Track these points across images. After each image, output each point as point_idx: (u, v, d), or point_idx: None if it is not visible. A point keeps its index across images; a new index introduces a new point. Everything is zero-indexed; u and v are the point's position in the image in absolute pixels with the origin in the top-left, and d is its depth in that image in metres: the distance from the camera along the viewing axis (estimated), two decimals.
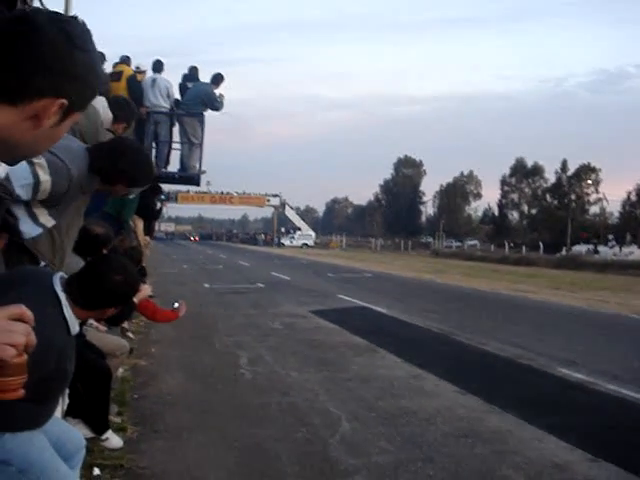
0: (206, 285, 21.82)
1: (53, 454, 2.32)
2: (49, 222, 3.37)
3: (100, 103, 4.27)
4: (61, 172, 3.07)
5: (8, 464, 2.18)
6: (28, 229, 3.34)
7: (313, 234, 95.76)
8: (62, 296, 2.35)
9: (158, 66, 11.02)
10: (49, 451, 2.31)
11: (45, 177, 2.99)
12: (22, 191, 2.88)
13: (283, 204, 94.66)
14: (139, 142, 9.97)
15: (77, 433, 2.85)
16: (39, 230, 3.36)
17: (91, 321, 5.12)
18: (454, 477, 4.98)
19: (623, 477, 5.09)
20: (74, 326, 2.39)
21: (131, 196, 7.50)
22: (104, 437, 5.04)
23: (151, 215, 9.33)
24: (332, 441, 5.73)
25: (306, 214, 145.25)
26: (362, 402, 7.06)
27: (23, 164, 2.87)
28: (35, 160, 2.89)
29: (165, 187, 12.26)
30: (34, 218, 3.27)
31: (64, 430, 2.56)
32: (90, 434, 4.72)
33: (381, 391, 7.59)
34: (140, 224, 9.25)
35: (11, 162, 1.41)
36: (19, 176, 2.84)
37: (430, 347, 10.81)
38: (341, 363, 9.14)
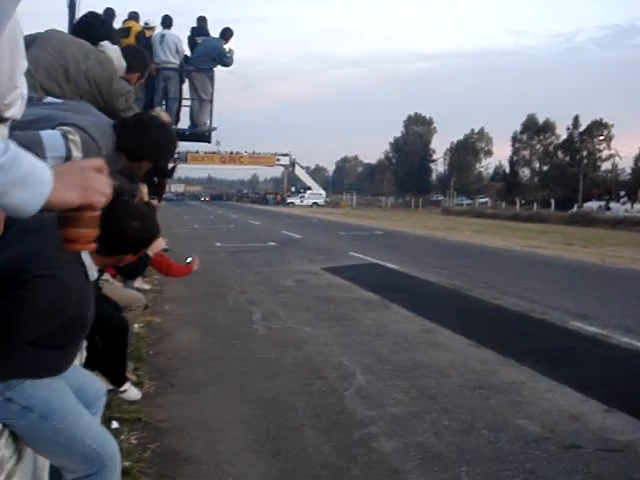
0: (218, 244, 21.85)
1: (74, 400, 2.33)
2: None
3: (114, 52, 4.25)
4: (92, 151, 3.07)
5: (29, 410, 2.20)
6: None
7: (323, 193, 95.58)
8: None
9: (167, 22, 10.89)
10: (70, 397, 2.32)
11: (77, 154, 2.99)
12: (52, 161, 2.88)
13: (293, 163, 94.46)
14: (149, 98, 9.93)
15: (97, 381, 2.88)
16: None
17: (107, 276, 5.14)
18: (469, 427, 5.01)
19: (637, 426, 5.10)
20: (92, 272, 2.39)
21: None
22: (122, 389, 5.08)
23: (164, 174, 9.28)
24: (347, 393, 5.77)
25: (316, 173, 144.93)
26: (376, 355, 7.09)
27: (58, 136, 2.87)
28: (70, 136, 2.90)
29: None
30: None
31: (85, 378, 2.58)
32: (108, 387, 4.77)
33: (395, 345, 7.62)
34: (144, 189, 9.19)
35: None
36: (52, 147, 2.84)
37: (443, 302, 10.81)
38: (354, 318, 9.17)
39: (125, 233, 2.48)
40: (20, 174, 1.25)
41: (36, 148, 2.59)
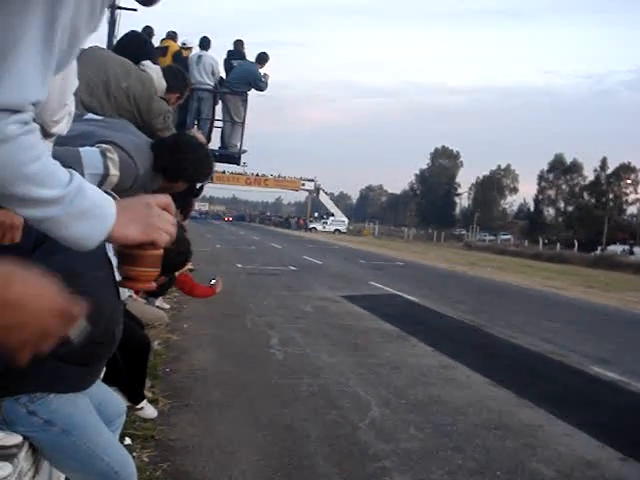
0: (239, 265, 21.91)
1: (96, 417, 2.34)
2: None
3: (155, 72, 4.31)
4: (129, 170, 3.11)
5: (52, 424, 2.20)
6: None
7: (346, 220, 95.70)
8: (114, 260, 2.37)
9: (205, 43, 11.01)
10: (92, 414, 2.33)
11: (114, 172, 3.03)
12: (90, 179, 2.91)
13: (317, 189, 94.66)
14: (182, 118, 10.01)
15: (118, 398, 2.88)
16: None
17: (130, 292, 5.16)
18: (484, 467, 4.95)
19: None
20: (124, 291, 2.41)
21: None
22: (139, 406, 5.08)
23: (193, 193, 9.34)
24: (362, 425, 5.73)
25: (340, 200, 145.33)
26: (392, 389, 7.04)
27: (96, 153, 2.91)
28: (109, 154, 2.94)
29: None
30: None
31: (106, 394, 2.59)
32: (126, 403, 4.77)
33: (412, 379, 7.57)
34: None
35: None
36: (91, 164, 2.88)
37: (461, 338, 10.74)
38: (372, 349, 9.13)
39: None
40: (83, 206, 1.24)
41: (75, 164, 2.62)
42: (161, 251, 1.41)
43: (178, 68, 5.14)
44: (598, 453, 5.48)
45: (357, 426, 5.70)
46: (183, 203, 9.17)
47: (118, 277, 1.49)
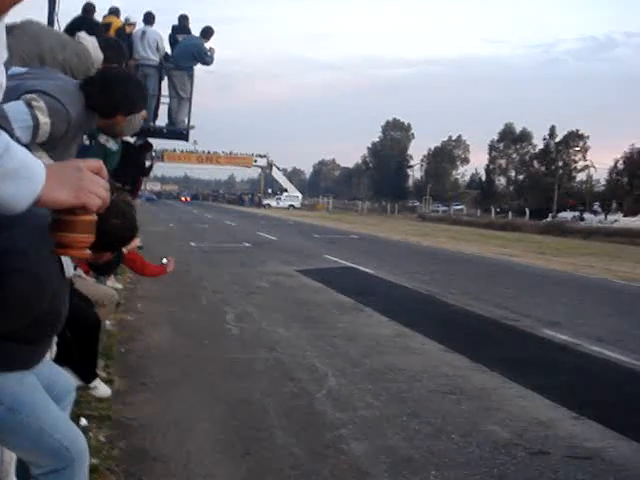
0: (192, 244, 21.77)
1: (44, 394, 2.30)
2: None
3: (91, 43, 4.21)
4: (60, 115, 3.05)
5: None
6: None
7: (300, 195, 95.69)
8: None
9: (149, 18, 10.85)
10: (40, 391, 2.29)
11: (44, 119, 2.97)
12: (21, 133, 2.85)
13: (270, 165, 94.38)
14: None
15: (67, 376, 2.84)
16: None
17: (79, 271, 5.09)
18: (440, 431, 5.02)
19: (605, 434, 5.15)
20: (69, 268, 2.37)
21: (113, 148, 7.45)
22: (92, 385, 5.04)
23: (141, 172, 9.23)
24: (319, 396, 5.76)
25: (293, 176, 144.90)
26: (348, 359, 7.09)
27: (21, 105, 2.85)
28: (34, 103, 2.87)
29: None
30: None
31: (54, 372, 2.55)
32: (78, 383, 4.71)
33: (367, 348, 7.62)
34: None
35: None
36: (18, 118, 2.81)
37: (416, 307, 10.85)
38: (327, 321, 9.17)
39: (106, 230, 2.45)
40: (11, 166, 1.21)
41: (2, 122, 2.56)
42: (94, 217, 1.37)
43: (114, 39, 5.06)
44: (551, 413, 5.58)
45: (314, 397, 5.73)
46: (132, 182, 9.09)
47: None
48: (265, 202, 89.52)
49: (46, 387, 2.36)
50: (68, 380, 2.74)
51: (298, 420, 5.16)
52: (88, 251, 1.44)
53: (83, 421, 4.59)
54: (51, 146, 3.24)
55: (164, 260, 6.52)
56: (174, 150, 78.79)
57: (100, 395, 5.11)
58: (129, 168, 8.15)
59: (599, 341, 8.48)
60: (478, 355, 7.41)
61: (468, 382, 6.42)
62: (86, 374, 4.94)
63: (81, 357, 4.76)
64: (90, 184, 1.34)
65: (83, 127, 3.38)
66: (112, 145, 6.52)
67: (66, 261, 2.34)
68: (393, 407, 5.56)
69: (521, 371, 6.83)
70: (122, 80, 3.38)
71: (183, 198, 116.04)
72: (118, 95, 3.29)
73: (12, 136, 2.70)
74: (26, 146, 3.21)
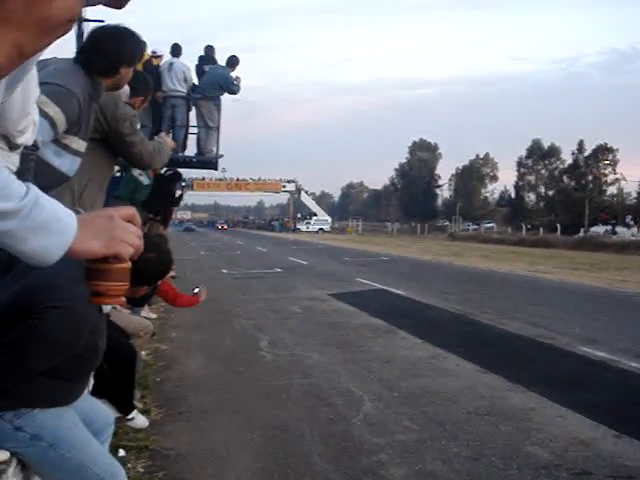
0: (224, 271, 21.87)
1: (83, 429, 2.32)
2: (82, 146, 3.43)
3: None
4: (65, 97, 3.09)
5: (39, 439, 2.19)
6: (68, 165, 3.39)
7: (329, 219, 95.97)
8: None
9: (176, 50, 11.00)
10: (79, 426, 2.31)
11: (54, 109, 3.02)
12: (40, 134, 2.90)
13: (299, 190, 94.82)
14: (157, 126, 9.98)
15: (106, 409, 2.87)
16: (78, 160, 3.41)
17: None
18: (479, 454, 4.97)
19: None
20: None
21: (145, 182, 7.52)
22: (130, 417, 5.06)
23: (171, 202, 9.32)
24: (355, 421, 5.73)
25: (322, 199, 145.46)
26: (384, 382, 7.05)
27: None
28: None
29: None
30: (67, 149, 3.32)
31: (93, 406, 2.57)
32: (116, 414, 4.74)
33: (402, 371, 7.58)
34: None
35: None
36: None
37: (450, 328, 10.77)
38: (361, 344, 9.14)
39: (141, 265, 2.47)
40: (40, 220, 1.20)
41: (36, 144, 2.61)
42: (128, 264, 1.37)
43: (140, 72, 5.12)
44: (592, 432, 5.50)
45: (351, 422, 5.70)
46: (163, 212, 9.16)
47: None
48: (294, 227, 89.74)
49: (85, 421, 2.39)
50: (106, 413, 2.76)
51: (335, 446, 5.13)
52: (123, 299, 1.44)
53: (121, 452, 4.61)
54: (76, 128, 3.30)
55: (196, 290, 6.55)
56: (203, 178, 79.49)
57: (138, 426, 5.14)
58: (160, 199, 8.24)
59: (637, 357, 8.35)
60: (515, 375, 7.34)
61: (506, 403, 6.35)
62: (124, 406, 4.97)
63: (118, 389, 4.79)
64: (122, 233, 1.33)
65: (94, 97, 3.41)
66: (145, 179, 6.61)
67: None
68: (431, 430, 5.51)
69: (559, 390, 6.74)
70: (112, 33, 3.40)
71: (219, 226, 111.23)
72: (113, 47, 3.31)
73: (37, 147, 2.72)
74: (55, 140, 3.28)
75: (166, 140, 4.90)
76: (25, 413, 2.17)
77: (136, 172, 6.67)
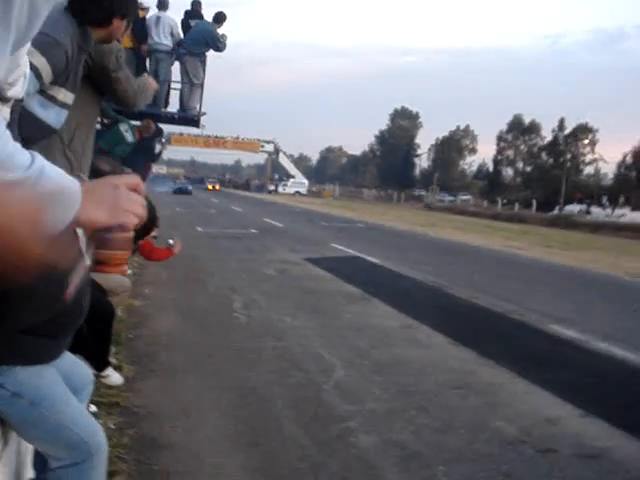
0: (199, 229, 21.81)
1: (64, 388, 2.31)
2: (69, 98, 3.36)
3: None
4: (51, 47, 3.02)
5: (19, 396, 2.17)
6: (54, 117, 3.33)
7: (306, 182, 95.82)
8: (79, 231, 2.32)
9: (163, 3, 10.81)
10: (60, 385, 2.30)
11: (39, 60, 2.96)
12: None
13: (277, 151, 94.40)
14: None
15: (85, 368, 2.85)
16: (64, 112, 3.34)
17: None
18: (447, 426, 5.03)
19: (612, 432, 5.15)
20: (87, 260, 2.37)
21: (129, 139, 7.45)
22: (105, 374, 5.05)
23: (150, 158, 9.24)
24: (326, 387, 5.77)
25: (300, 162, 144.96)
26: (356, 350, 7.10)
27: None
28: None
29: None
30: (53, 100, 3.26)
31: (73, 364, 2.55)
32: (91, 371, 4.73)
33: (375, 340, 7.63)
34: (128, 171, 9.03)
35: None
36: None
37: (423, 299, 10.85)
38: (335, 311, 9.17)
39: None
40: (45, 190, 1.17)
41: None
42: (131, 233, 1.35)
43: None
44: (558, 410, 5.58)
45: (322, 388, 5.74)
46: (141, 168, 9.08)
47: (88, 261, 1.43)
48: (271, 188, 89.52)
49: (64, 379, 2.37)
50: (86, 371, 2.75)
51: (306, 411, 5.17)
52: (126, 267, 1.43)
53: (92, 407, 4.61)
54: (62, 79, 3.23)
55: (170, 241, 6.49)
56: (181, 134, 78.69)
57: (112, 383, 5.13)
58: (139, 154, 8.16)
59: (606, 338, 8.47)
60: (485, 349, 7.41)
61: (476, 377, 6.42)
62: (99, 363, 4.95)
63: (95, 346, 4.76)
64: (127, 202, 1.32)
65: (84, 47, 3.33)
66: (129, 136, 6.54)
67: (85, 253, 2.34)
68: (401, 400, 5.56)
69: (528, 367, 6.83)
70: None
71: (210, 185, 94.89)
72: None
73: (20, 99, 2.67)
74: (41, 91, 3.22)
75: (149, 81, 4.78)
76: (6, 370, 2.15)
77: (123, 127, 6.59)
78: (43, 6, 1.18)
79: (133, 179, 1.36)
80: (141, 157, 8.62)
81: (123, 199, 1.31)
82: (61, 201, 1.20)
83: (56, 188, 1.20)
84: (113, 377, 5.16)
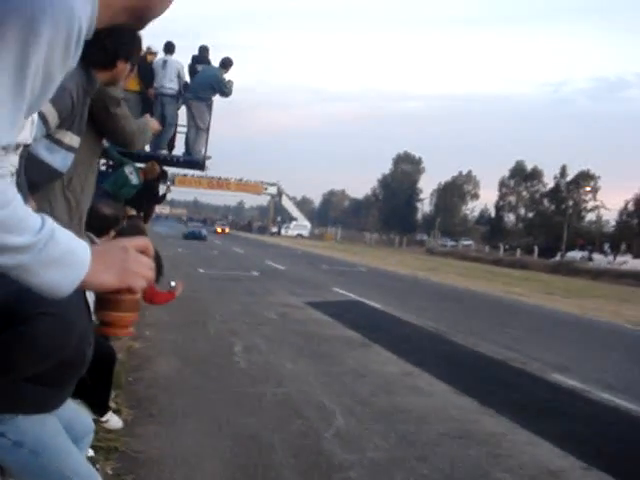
0: (201, 270, 21.81)
1: (65, 437, 2.29)
2: (75, 141, 3.37)
3: None
4: (57, 92, 3.05)
5: (21, 446, 2.16)
6: (60, 161, 3.34)
7: (308, 225, 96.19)
8: (88, 293, 2.32)
9: (170, 47, 10.96)
10: (62, 434, 2.29)
11: (46, 105, 2.98)
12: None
13: (280, 193, 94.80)
14: None
15: (87, 416, 2.84)
16: (71, 155, 3.35)
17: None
18: (448, 477, 4.97)
19: None
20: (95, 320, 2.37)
21: (134, 181, 7.47)
22: (105, 419, 5.01)
23: (155, 200, 9.27)
24: (327, 435, 5.72)
25: (302, 204, 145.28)
26: (357, 397, 7.05)
27: None
28: None
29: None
30: (60, 144, 3.27)
31: (74, 412, 2.54)
32: (91, 416, 4.70)
33: (375, 387, 7.59)
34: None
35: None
36: None
37: (424, 345, 10.81)
38: (335, 356, 9.13)
39: None
40: (55, 254, 1.19)
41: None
42: (138, 295, 1.35)
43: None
44: (561, 462, 5.53)
45: (322, 436, 5.69)
46: (145, 209, 9.12)
47: (95, 321, 1.44)
48: (274, 230, 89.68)
49: (65, 427, 2.36)
50: (88, 420, 2.73)
51: (306, 459, 5.12)
52: (132, 329, 1.43)
53: (90, 452, 4.56)
54: (68, 123, 3.25)
55: (172, 283, 6.45)
56: (185, 175, 79.04)
57: (113, 427, 5.09)
58: (144, 195, 8.20)
59: (608, 388, 8.42)
60: (487, 398, 7.36)
61: (477, 426, 6.37)
62: (99, 407, 4.92)
63: (96, 391, 4.73)
64: (136, 265, 1.32)
65: (89, 91, 3.35)
66: (134, 178, 6.57)
67: (92, 302, 2.35)
68: (401, 450, 5.51)
69: (530, 417, 6.78)
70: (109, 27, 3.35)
71: (219, 228, 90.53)
72: (111, 40, 3.25)
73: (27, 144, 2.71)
74: (47, 135, 3.25)
75: (151, 121, 4.79)
76: (8, 419, 2.14)
77: (128, 170, 6.63)
78: (57, 72, 1.20)
79: (142, 241, 1.37)
80: (145, 199, 8.66)
81: (132, 262, 1.31)
82: (70, 263, 1.21)
83: (66, 250, 1.21)
84: (112, 420, 5.12)
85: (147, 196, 8.25)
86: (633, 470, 5.53)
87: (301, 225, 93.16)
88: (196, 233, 57.06)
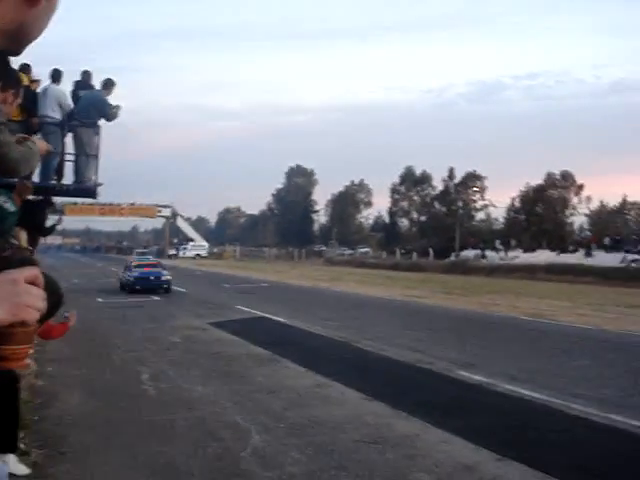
0: (99, 299, 21.29)
1: None
2: None
3: None
4: None
5: None
6: None
7: (206, 244, 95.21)
8: None
9: (55, 75, 10.63)
10: None
11: None
12: None
13: (174, 215, 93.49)
14: None
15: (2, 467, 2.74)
16: None
17: None
18: None
19: (529, 474, 5.27)
20: None
21: (11, 209, 7.22)
22: (6, 459, 4.76)
23: (42, 232, 8.96)
24: (244, 454, 5.69)
25: (199, 224, 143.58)
26: (270, 413, 7.04)
27: None
28: None
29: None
30: None
31: None
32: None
33: (288, 401, 7.60)
34: (23, 235, 8.68)
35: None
36: None
37: (332, 355, 10.89)
38: (245, 375, 9.10)
39: None
40: None
41: None
42: (32, 327, 1.32)
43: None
44: (475, 456, 5.68)
45: (239, 456, 5.66)
46: (30, 241, 8.80)
47: None
48: (170, 252, 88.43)
49: None
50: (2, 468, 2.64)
51: None
52: (27, 361, 1.39)
53: None
54: None
55: (66, 314, 6.30)
56: (75, 203, 77.03)
57: (18, 473, 4.86)
58: (27, 227, 7.91)
59: (513, 379, 8.70)
60: (398, 401, 7.49)
61: (391, 430, 6.47)
62: (7, 442, 4.68)
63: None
64: (27, 298, 1.26)
65: None
66: (10, 206, 6.34)
67: None
68: (320, 461, 5.54)
69: (441, 415, 6.94)
70: None
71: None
72: None
73: None
74: None
75: (38, 142, 4.61)
76: None
77: (1, 199, 6.42)
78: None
79: (32, 271, 1.33)
80: (30, 231, 8.35)
81: (23, 295, 1.26)
82: None
83: None
84: (18, 469, 4.87)
85: (30, 226, 7.98)
86: (543, 456, 5.72)
87: (199, 245, 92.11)
88: (150, 276, 26.21)
